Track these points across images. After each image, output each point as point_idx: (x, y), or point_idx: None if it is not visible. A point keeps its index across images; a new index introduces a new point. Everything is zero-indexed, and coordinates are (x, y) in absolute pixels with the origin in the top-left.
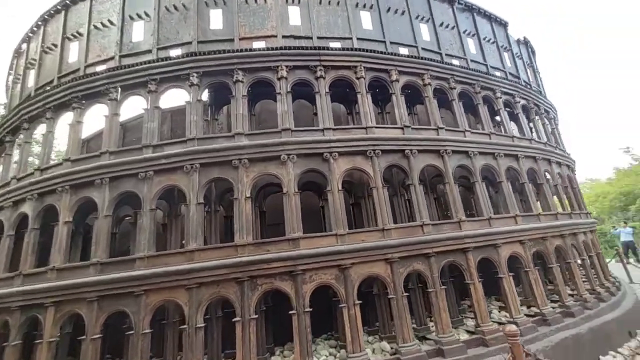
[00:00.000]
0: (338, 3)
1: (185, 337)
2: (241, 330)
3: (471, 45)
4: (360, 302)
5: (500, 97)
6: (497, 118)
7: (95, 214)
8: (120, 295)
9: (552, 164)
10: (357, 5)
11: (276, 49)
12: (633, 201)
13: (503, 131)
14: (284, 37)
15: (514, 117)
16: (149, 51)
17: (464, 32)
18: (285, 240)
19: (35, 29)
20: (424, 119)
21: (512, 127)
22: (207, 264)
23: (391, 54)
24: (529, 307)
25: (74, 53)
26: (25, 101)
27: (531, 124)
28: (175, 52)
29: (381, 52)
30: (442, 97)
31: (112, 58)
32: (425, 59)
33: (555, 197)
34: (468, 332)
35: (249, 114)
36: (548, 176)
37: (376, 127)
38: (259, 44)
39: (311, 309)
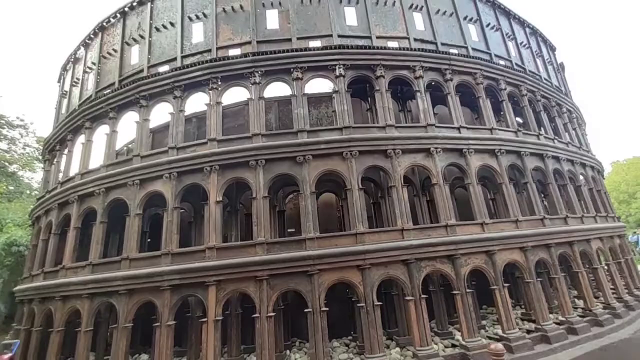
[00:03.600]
0: (451, 15)
1: (365, 316)
2: (414, 308)
3: (540, 65)
4: (508, 284)
5: (565, 113)
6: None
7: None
8: (292, 274)
9: (586, 167)
10: (465, 17)
11: (412, 49)
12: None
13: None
14: (415, 39)
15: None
16: (288, 40)
17: (535, 52)
18: (442, 227)
19: (136, 4)
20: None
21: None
22: (378, 245)
23: (497, 64)
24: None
25: (197, 34)
26: (137, 80)
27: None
28: (313, 44)
29: (493, 63)
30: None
31: (248, 42)
32: (519, 71)
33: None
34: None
35: (363, 108)
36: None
37: (499, 129)
38: (392, 44)
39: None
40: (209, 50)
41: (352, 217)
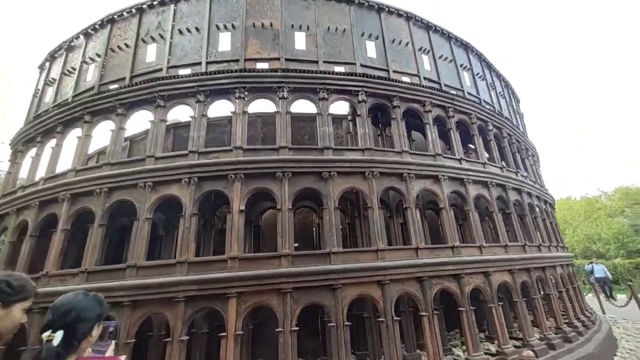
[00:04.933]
0: (451, 61)
1: (385, 330)
2: (428, 323)
3: (512, 112)
4: (501, 303)
5: (531, 155)
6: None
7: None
8: (316, 288)
9: (547, 203)
10: (461, 65)
11: (423, 86)
12: None
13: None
14: (424, 78)
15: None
16: (315, 62)
17: (508, 102)
18: (449, 248)
19: (156, 4)
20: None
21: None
22: (397, 262)
23: (486, 108)
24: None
25: (224, 43)
26: (155, 79)
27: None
28: (338, 69)
29: (482, 106)
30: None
31: (277, 59)
32: (500, 115)
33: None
34: None
35: (375, 134)
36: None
37: (489, 164)
38: (406, 79)
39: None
40: (237, 60)
41: (372, 234)
